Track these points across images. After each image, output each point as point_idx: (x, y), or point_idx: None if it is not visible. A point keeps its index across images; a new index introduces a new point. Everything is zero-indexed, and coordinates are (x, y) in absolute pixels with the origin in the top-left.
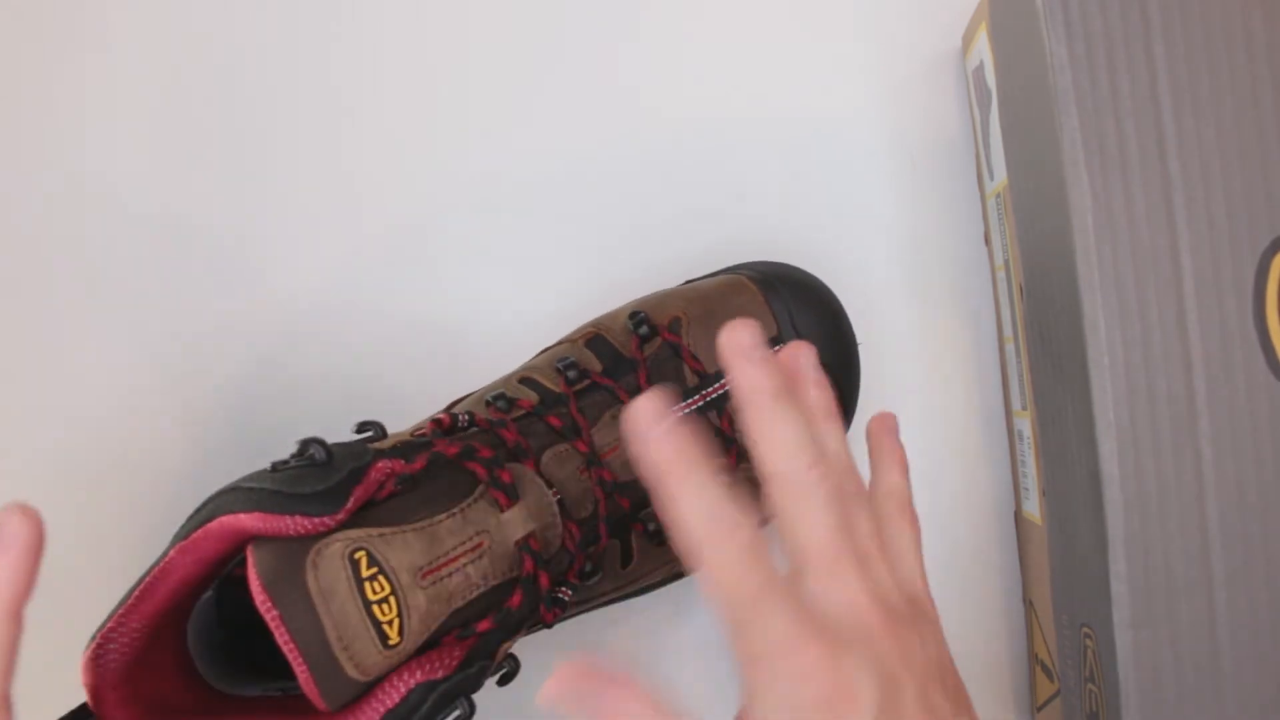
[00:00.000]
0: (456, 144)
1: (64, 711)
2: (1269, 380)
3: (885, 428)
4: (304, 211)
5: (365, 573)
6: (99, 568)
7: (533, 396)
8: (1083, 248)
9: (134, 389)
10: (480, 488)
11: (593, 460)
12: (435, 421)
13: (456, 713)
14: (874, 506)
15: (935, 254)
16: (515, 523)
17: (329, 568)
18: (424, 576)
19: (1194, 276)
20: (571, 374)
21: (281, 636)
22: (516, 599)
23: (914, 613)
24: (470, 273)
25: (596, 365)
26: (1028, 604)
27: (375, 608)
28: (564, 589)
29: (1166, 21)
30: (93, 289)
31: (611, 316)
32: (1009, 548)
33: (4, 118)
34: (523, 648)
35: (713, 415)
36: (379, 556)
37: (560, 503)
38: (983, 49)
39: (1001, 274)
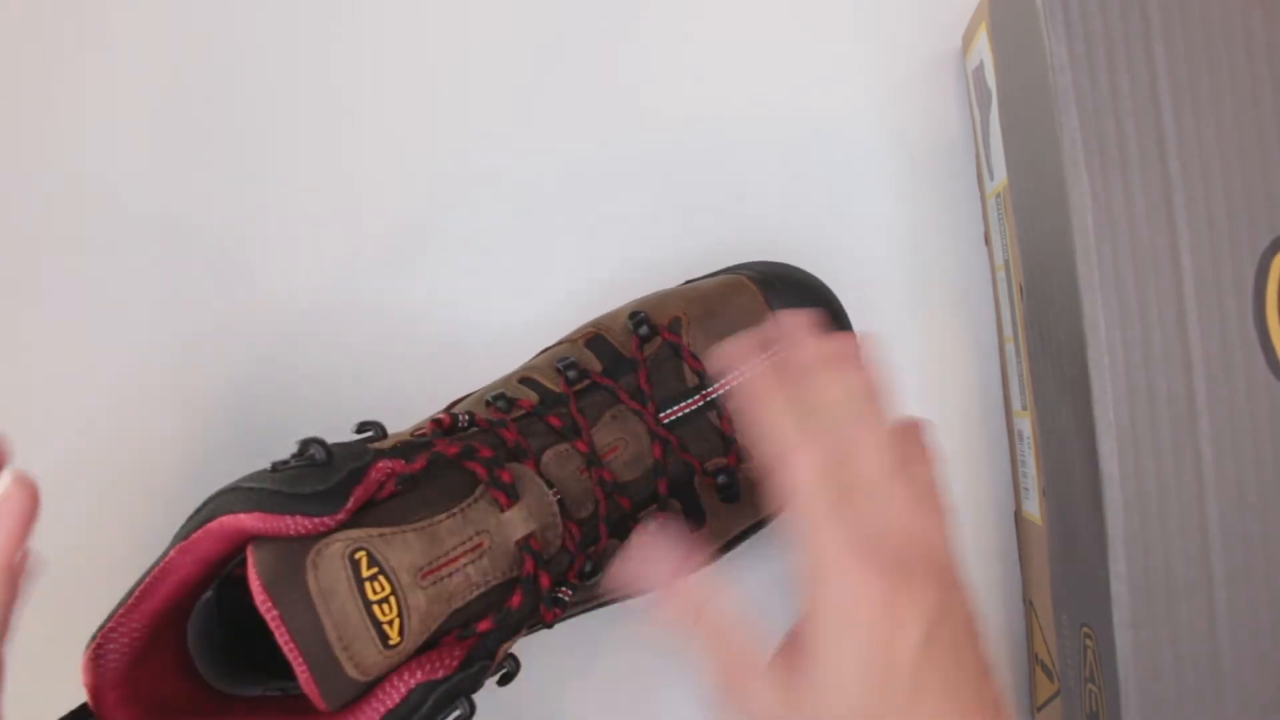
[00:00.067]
0: (456, 144)
1: (64, 711)
2: (1269, 380)
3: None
4: (304, 211)
5: (365, 573)
6: (99, 568)
7: (533, 396)
8: (1083, 248)
9: (134, 388)
10: (480, 488)
11: (593, 460)
12: (435, 421)
13: (457, 713)
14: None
15: (935, 254)
16: (515, 523)
17: (329, 568)
18: (424, 576)
19: (1194, 276)
20: (571, 374)
21: (282, 636)
22: (516, 599)
23: (955, 574)
24: (470, 273)
25: (596, 365)
26: (1028, 604)
27: (375, 608)
28: (564, 589)
29: (1166, 21)
30: (93, 288)
31: (611, 316)
32: (1009, 548)
33: (4, 118)
34: (523, 648)
35: (713, 415)
36: (379, 556)
37: (560, 503)
38: (983, 49)
39: (1001, 274)
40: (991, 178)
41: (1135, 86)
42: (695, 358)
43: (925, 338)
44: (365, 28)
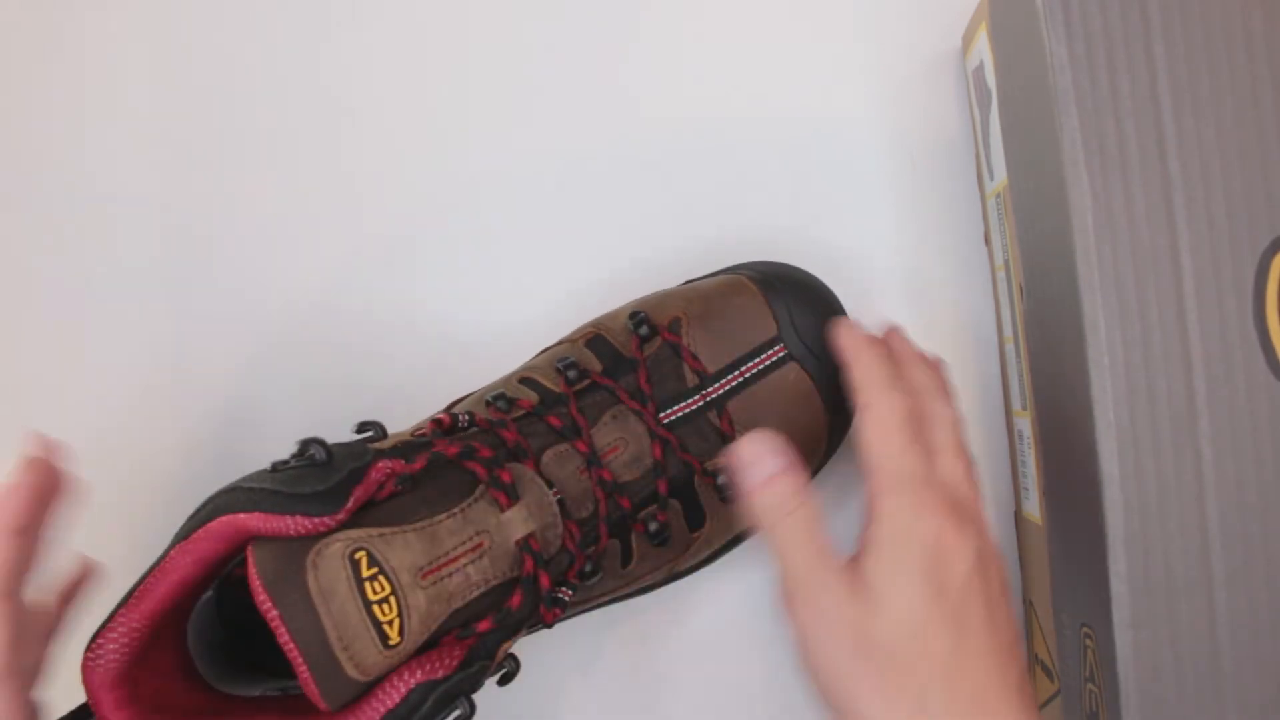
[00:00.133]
0: (456, 144)
1: (64, 712)
2: (1269, 380)
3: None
4: (304, 211)
5: (365, 573)
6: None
7: (533, 396)
8: (1083, 248)
9: (134, 388)
10: (480, 488)
11: (593, 460)
12: (435, 421)
13: (457, 712)
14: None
15: (935, 254)
16: (515, 523)
17: (329, 568)
18: (424, 576)
19: (1194, 276)
20: (571, 374)
21: (282, 636)
22: (516, 599)
23: (991, 537)
24: (470, 273)
25: (596, 365)
26: (1028, 604)
27: (375, 608)
28: (564, 589)
29: (1166, 21)
30: (92, 289)
31: (611, 316)
32: (1009, 548)
33: (4, 119)
34: (523, 648)
35: (713, 415)
36: (379, 556)
37: (560, 503)
38: (983, 49)
39: (1001, 274)
40: (991, 178)
41: (1135, 86)
42: (695, 358)
43: (925, 338)
44: (365, 28)
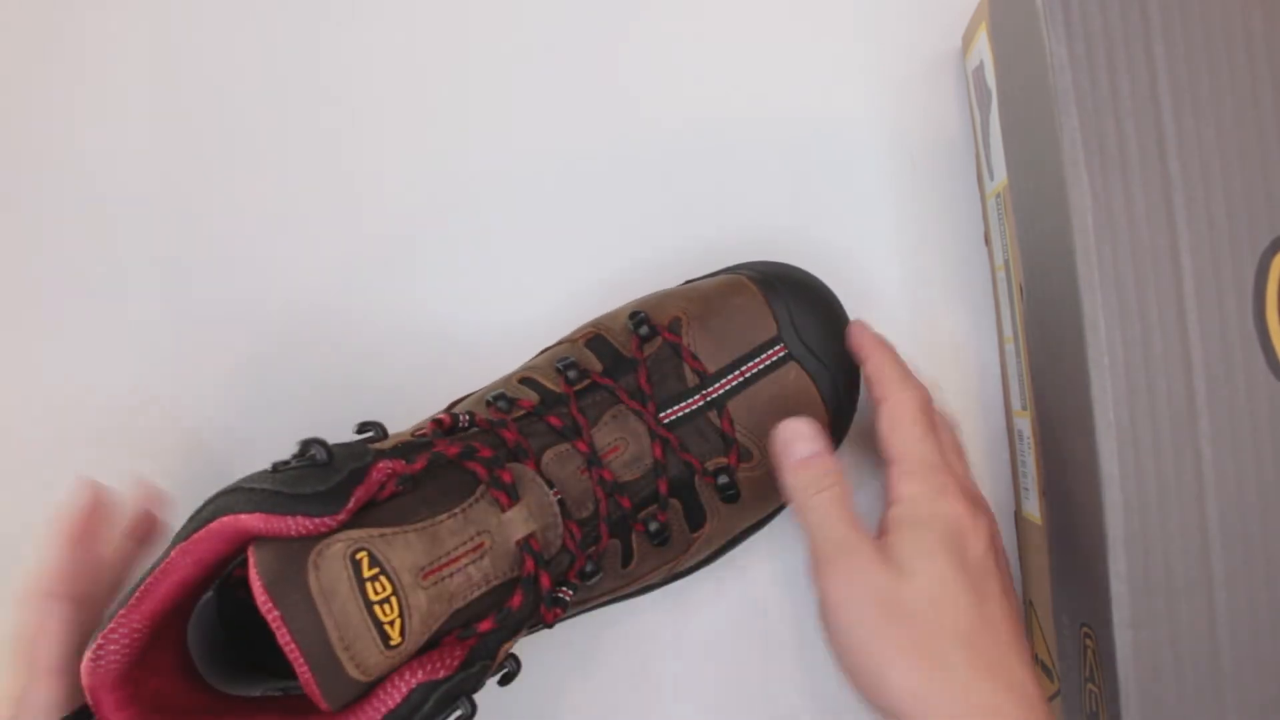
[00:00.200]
0: (456, 144)
1: (64, 712)
2: (1269, 380)
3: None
4: (304, 212)
5: (367, 573)
6: None
7: (533, 396)
8: (1083, 248)
9: (134, 388)
10: (481, 488)
11: (593, 460)
12: (436, 422)
13: (458, 712)
14: None
15: (935, 254)
16: (516, 523)
17: (330, 568)
18: (425, 577)
19: (1194, 276)
20: (572, 374)
21: (283, 637)
22: (517, 599)
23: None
24: (471, 273)
25: (597, 365)
26: (1028, 604)
27: (377, 608)
28: (565, 589)
29: (1166, 21)
30: (92, 289)
31: (611, 316)
32: (1009, 548)
33: (4, 119)
34: (523, 647)
35: (713, 415)
36: (380, 557)
37: (561, 503)
38: (983, 49)
39: (1001, 274)
40: (991, 178)
41: (1135, 86)
42: (695, 357)
43: (925, 337)
44: (365, 28)
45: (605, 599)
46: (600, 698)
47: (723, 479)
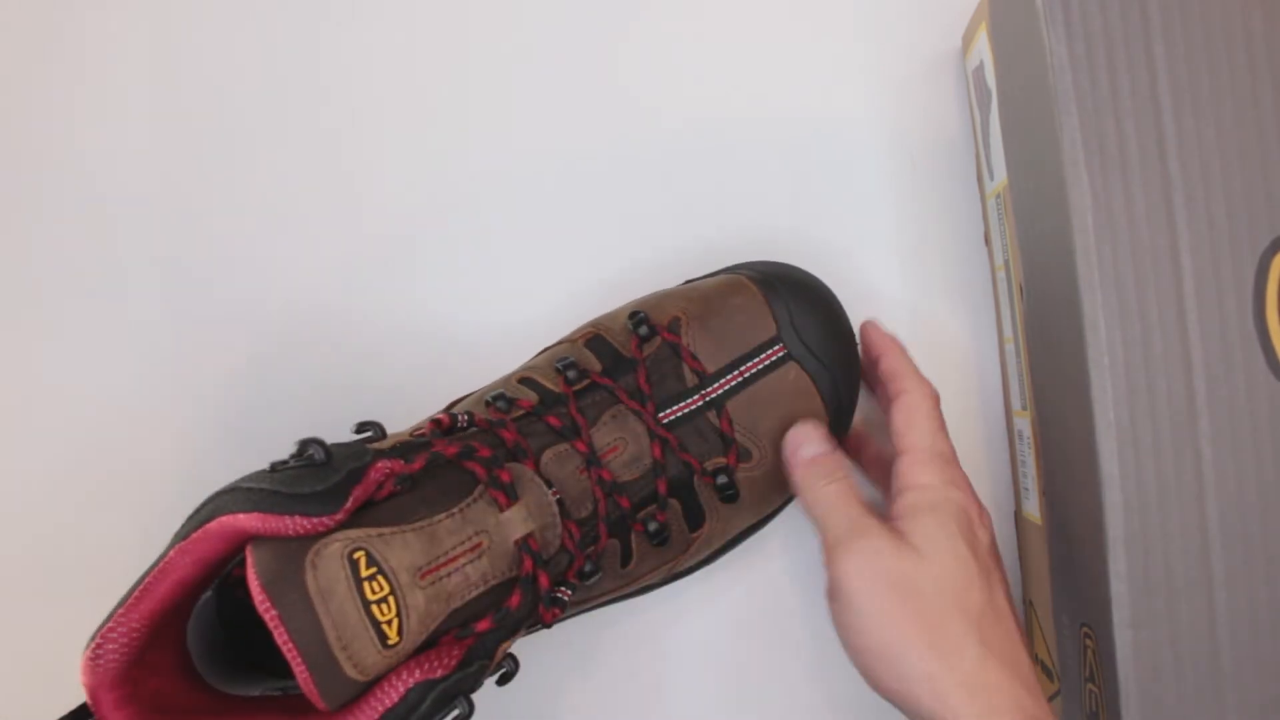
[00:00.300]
0: (456, 144)
1: (64, 712)
2: (1269, 380)
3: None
4: (304, 212)
5: (364, 572)
6: (99, 568)
7: (532, 396)
8: (1083, 248)
9: (134, 388)
10: (479, 488)
11: (592, 460)
12: (435, 421)
13: (455, 712)
14: None
15: (935, 254)
16: (514, 522)
17: (328, 568)
18: (423, 576)
19: (1194, 276)
20: (571, 374)
21: (281, 636)
22: (515, 599)
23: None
24: (471, 273)
25: (596, 365)
26: (1028, 604)
27: (374, 607)
28: (563, 589)
29: (1166, 21)
30: (92, 289)
31: (611, 316)
32: (1009, 548)
33: (4, 119)
34: (522, 648)
35: (712, 415)
36: (378, 556)
37: (560, 502)
38: (983, 49)
39: (1001, 274)
40: (991, 178)
41: (1135, 86)
42: (694, 357)
43: (925, 338)
44: (365, 28)
45: (604, 599)
46: (600, 698)
47: (722, 479)
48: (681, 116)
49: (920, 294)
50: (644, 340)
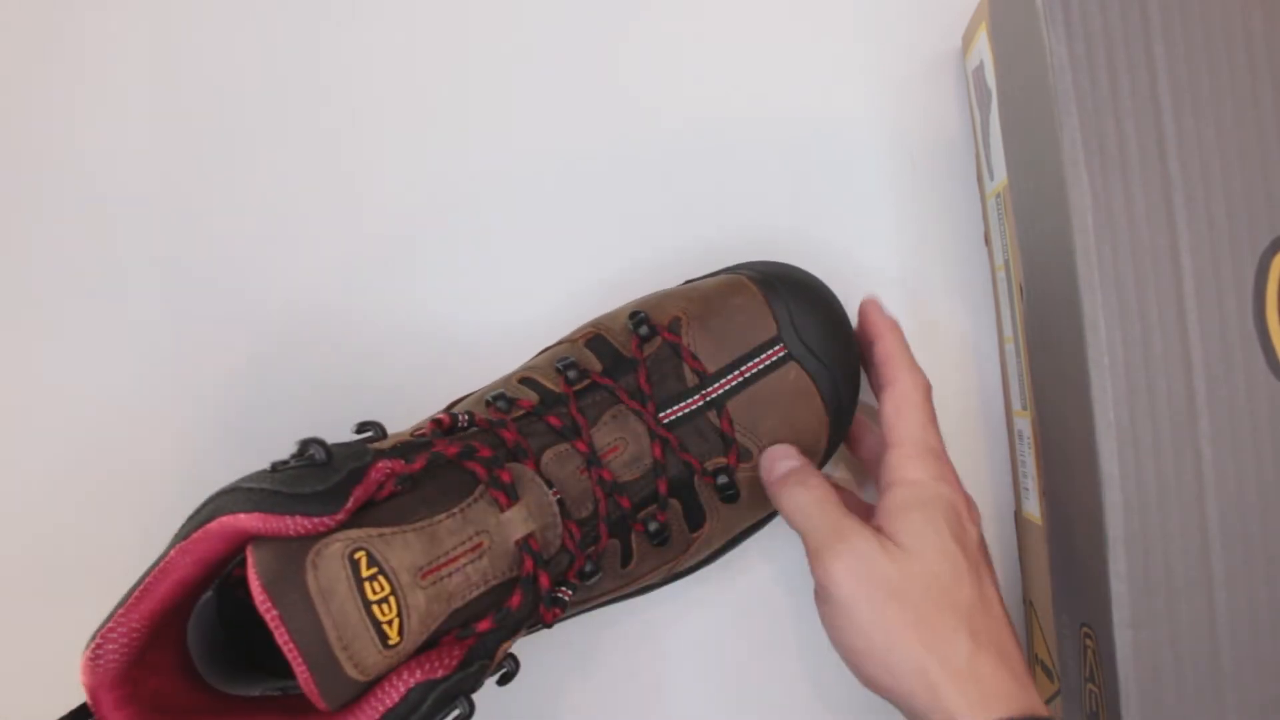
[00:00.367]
0: (456, 144)
1: (64, 711)
2: (1269, 380)
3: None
4: (304, 212)
5: (365, 573)
6: (99, 568)
7: (533, 396)
8: (1083, 248)
9: (135, 388)
10: (480, 488)
11: (592, 460)
12: (435, 421)
13: (456, 712)
14: None
15: (935, 254)
16: (515, 522)
17: (329, 568)
18: (424, 576)
19: (1194, 276)
20: (571, 374)
21: (281, 636)
22: (516, 599)
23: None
24: (471, 273)
25: (596, 365)
26: (1028, 604)
27: (375, 607)
28: (564, 589)
29: (1166, 21)
30: (92, 289)
31: (611, 316)
32: (1009, 548)
33: (4, 119)
34: (522, 648)
35: (712, 414)
36: (379, 556)
37: (560, 502)
38: (983, 49)
39: (1001, 274)
40: (991, 178)
41: (1135, 86)
42: (695, 357)
43: (925, 337)
44: (365, 28)
45: (605, 599)
46: (600, 698)
47: (722, 479)
48: (681, 116)
49: (920, 294)
50: (644, 340)
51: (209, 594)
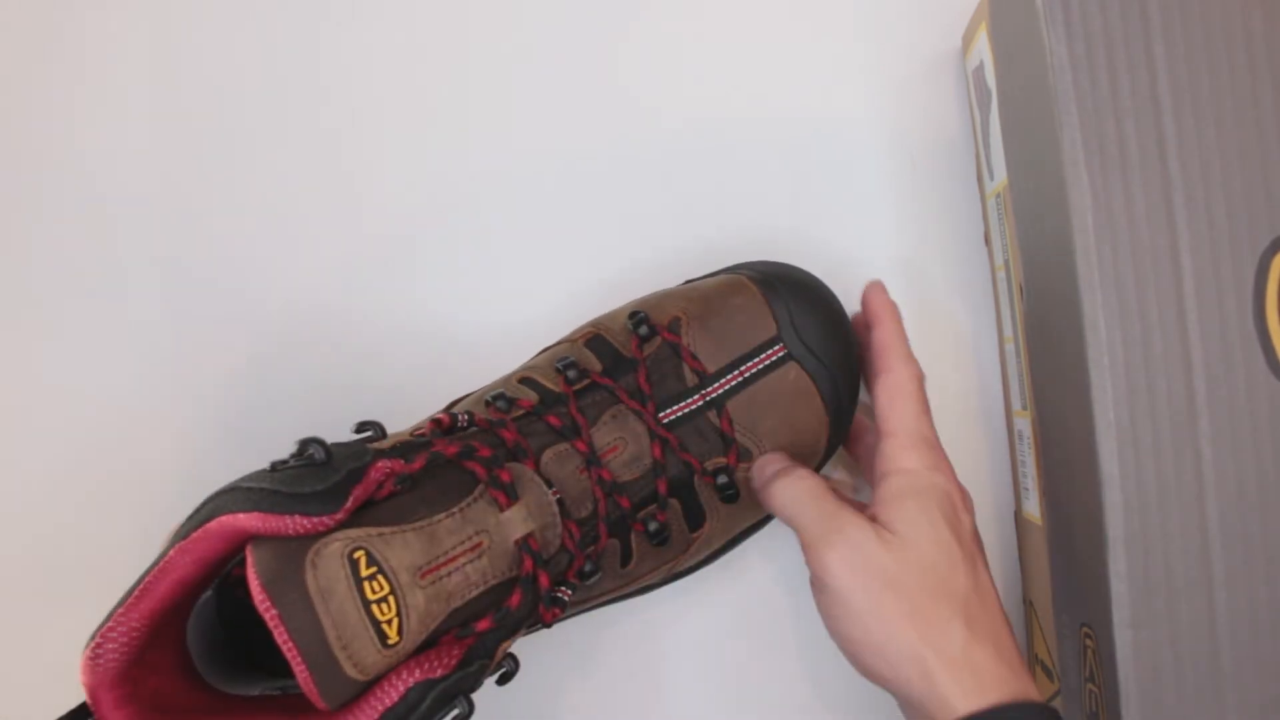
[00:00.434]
0: (456, 144)
1: (64, 711)
2: (1269, 380)
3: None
4: (304, 212)
5: (364, 572)
6: (99, 568)
7: (532, 396)
8: (1083, 248)
9: (135, 389)
10: (479, 487)
11: (592, 460)
12: (435, 421)
13: (455, 711)
14: None
15: (935, 254)
16: (514, 522)
17: (328, 567)
18: (423, 576)
19: (1194, 276)
20: (571, 374)
21: (281, 636)
22: (516, 598)
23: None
24: (471, 273)
25: (596, 365)
26: (1028, 604)
27: (374, 607)
28: (563, 589)
29: (1166, 21)
30: (93, 289)
31: (611, 316)
32: (1009, 548)
33: (4, 119)
34: (522, 647)
35: (712, 414)
36: (378, 556)
37: (560, 502)
38: (983, 49)
39: (1001, 274)
40: (991, 178)
41: (1135, 86)
42: (695, 357)
43: (925, 337)
44: (365, 28)
45: (604, 599)
46: (600, 698)
47: (722, 479)
48: (681, 116)
49: (920, 294)
50: (644, 340)
51: (208, 593)
